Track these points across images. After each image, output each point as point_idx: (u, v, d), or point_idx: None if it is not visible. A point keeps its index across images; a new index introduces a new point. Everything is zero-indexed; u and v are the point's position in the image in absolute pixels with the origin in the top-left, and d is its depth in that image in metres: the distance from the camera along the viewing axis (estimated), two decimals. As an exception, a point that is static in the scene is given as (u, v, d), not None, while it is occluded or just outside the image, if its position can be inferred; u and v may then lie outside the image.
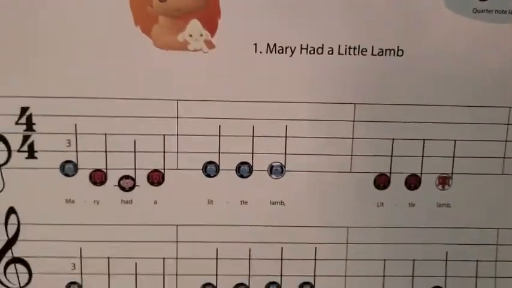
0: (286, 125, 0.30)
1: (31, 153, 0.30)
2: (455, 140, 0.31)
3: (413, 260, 0.32)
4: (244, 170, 0.31)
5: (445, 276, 0.33)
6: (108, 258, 0.31)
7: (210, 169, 0.31)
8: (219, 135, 0.30)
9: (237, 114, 0.30)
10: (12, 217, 0.31)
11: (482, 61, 0.30)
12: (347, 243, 0.32)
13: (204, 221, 0.31)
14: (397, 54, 0.30)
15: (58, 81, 0.29)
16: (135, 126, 0.30)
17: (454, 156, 0.31)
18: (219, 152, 0.31)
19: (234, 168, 0.31)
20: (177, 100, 0.30)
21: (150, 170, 0.31)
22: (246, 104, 0.30)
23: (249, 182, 0.31)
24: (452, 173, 0.31)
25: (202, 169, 0.31)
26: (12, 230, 0.31)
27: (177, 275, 0.32)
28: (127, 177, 0.31)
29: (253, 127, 0.30)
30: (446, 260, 0.32)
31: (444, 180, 0.31)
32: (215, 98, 0.30)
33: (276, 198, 0.31)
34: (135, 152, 0.30)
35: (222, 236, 0.31)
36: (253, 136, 0.30)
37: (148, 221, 0.31)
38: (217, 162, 0.31)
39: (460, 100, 0.30)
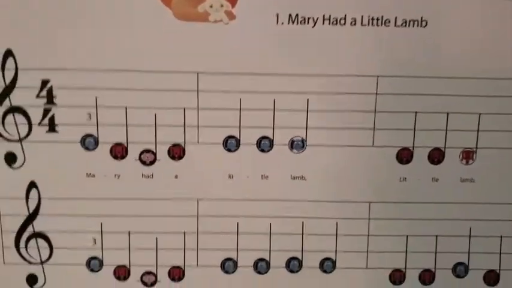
0: (308, 99, 0.30)
1: (52, 127, 0.30)
2: (479, 114, 0.30)
3: (436, 235, 0.32)
4: (265, 144, 0.31)
5: (468, 252, 0.32)
6: (129, 232, 0.31)
7: (231, 143, 0.31)
8: (240, 109, 0.30)
9: (258, 88, 0.30)
10: (33, 191, 0.31)
11: (507, 32, 0.29)
12: (369, 219, 0.32)
13: (224, 196, 0.31)
14: (421, 25, 0.29)
15: (78, 54, 0.29)
16: (156, 99, 0.30)
17: (478, 130, 0.31)
18: (240, 126, 0.30)
19: (255, 143, 0.31)
20: (197, 73, 0.29)
21: (170, 144, 0.30)
22: (267, 77, 0.30)
23: (270, 156, 0.31)
24: (476, 147, 0.31)
25: (222, 143, 0.31)
26: (33, 205, 0.31)
27: (197, 249, 0.32)
28: (147, 151, 0.31)
29: (274, 101, 0.30)
30: (470, 236, 0.32)
31: (468, 155, 0.31)
32: (236, 71, 0.29)
33: (296, 173, 0.31)
34: (155, 125, 0.30)
35: (242, 211, 0.31)
36: (274, 110, 0.30)
37: (168, 195, 0.31)
38: (237, 136, 0.30)
39: (485, 72, 0.30)
